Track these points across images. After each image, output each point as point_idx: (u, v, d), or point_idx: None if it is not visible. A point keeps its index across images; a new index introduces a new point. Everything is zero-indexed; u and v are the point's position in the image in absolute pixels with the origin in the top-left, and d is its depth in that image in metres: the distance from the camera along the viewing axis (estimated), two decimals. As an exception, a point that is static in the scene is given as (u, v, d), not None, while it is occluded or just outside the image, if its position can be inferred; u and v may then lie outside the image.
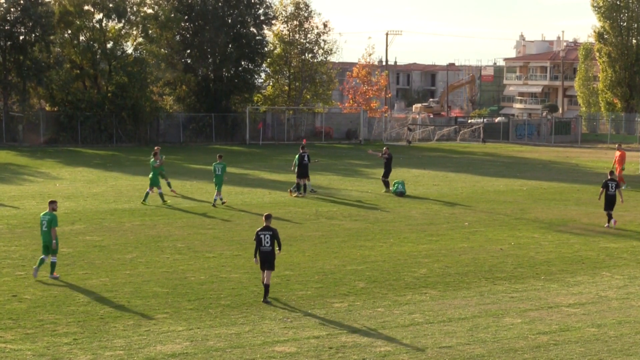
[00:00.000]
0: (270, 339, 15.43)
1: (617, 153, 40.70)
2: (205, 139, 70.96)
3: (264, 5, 74.01)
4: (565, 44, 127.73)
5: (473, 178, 44.88)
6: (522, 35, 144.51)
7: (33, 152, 57.78)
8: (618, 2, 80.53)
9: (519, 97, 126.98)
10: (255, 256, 18.16)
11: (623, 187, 38.66)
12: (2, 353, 14.34)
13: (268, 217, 18.37)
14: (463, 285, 19.93)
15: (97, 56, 67.03)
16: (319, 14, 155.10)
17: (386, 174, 37.70)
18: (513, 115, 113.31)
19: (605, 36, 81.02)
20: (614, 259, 23.44)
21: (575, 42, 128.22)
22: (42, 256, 20.19)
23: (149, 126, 68.43)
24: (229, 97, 73.71)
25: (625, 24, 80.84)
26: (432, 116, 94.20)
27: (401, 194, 35.95)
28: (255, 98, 77.49)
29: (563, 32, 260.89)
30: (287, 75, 78.48)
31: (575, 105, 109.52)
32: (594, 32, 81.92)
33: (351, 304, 18.02)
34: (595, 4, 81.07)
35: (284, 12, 76.58)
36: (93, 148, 62.65)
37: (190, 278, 20.10)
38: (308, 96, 78.72)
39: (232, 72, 73.41)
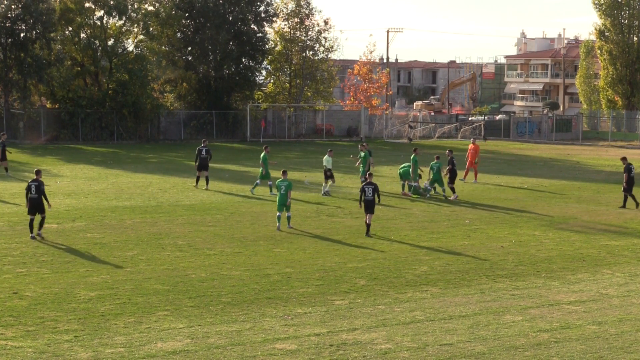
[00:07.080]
0: (270, 336, 15.43)
1: (471, 146, 41.90)
2: (206, 136, 70.83)
3: (265, 3, 73.92)
4: (566, 41, 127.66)
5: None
6: (523, 33, 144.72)
7: (34, 149, 57.77)
8: (619, 0, 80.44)
9: (520, 95, 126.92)
10: (360, 203, 25.75)
11: (474, 182, 40.50)
12: (3, 350, 14.35)
13: (370, 175, 27.07)
14: (464, 282, 19.93)
15: (98, 53, 67.00)
16: (320, 11, 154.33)
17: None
18: (514, 112, 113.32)
19: (607, 34, 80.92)
20: (615, 256, 23.44)
21: (576, 40, 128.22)
22: (278, 213, 26.20)
23: (149, 123, 68.39)
24: (229, 95, 73.73)
25: (626, 21, 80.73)
26: (433, 114, 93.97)
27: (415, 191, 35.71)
28: (256, 95, 77.45)
29: (564, 29, 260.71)
30: (288, 72, 78.40)
31: (576, 103, 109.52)
32: (595, 29, 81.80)
33: (352, 301, 18.03)
34: (596, 2, 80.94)
35: (284, 10, 76.46)
36: (94, 145, 62.67)
37: (191, 275, 20.11)
38: (309, 93, 78.63)
39: (232, 69, 73.37)
